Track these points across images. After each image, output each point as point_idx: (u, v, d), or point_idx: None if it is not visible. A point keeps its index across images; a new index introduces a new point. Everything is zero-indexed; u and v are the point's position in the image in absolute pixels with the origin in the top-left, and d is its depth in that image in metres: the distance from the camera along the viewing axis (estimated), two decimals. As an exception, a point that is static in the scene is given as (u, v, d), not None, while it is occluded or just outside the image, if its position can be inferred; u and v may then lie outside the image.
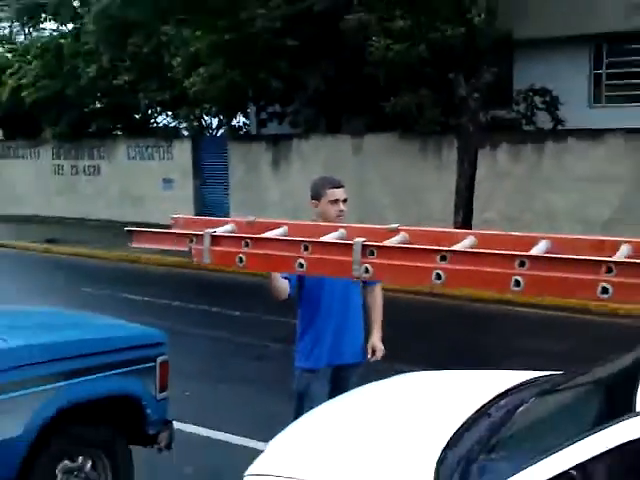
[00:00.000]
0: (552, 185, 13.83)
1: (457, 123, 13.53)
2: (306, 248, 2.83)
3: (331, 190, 4.46)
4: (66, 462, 4.19)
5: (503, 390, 3.77)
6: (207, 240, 3.00)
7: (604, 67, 15.70)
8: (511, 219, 13.48)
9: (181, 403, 5.16)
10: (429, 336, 9.57)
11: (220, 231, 3.08)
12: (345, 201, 4.47)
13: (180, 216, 3.32)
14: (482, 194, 13.44)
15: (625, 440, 2.51)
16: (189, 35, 16.75)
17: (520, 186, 14.18)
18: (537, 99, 15.04)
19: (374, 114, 15.64)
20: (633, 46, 15.21)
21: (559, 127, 14.85)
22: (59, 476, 4.15)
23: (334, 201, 4.43)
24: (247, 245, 2.94)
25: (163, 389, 4.60)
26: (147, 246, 3.28)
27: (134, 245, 3.28)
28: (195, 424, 6.08)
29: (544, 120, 15.00)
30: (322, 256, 2.83)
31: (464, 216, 13.08)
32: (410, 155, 15.45)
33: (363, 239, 2.77)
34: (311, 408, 4.22)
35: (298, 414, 4.33)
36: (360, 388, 4.38)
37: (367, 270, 2.74)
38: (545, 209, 13.70)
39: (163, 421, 4.66)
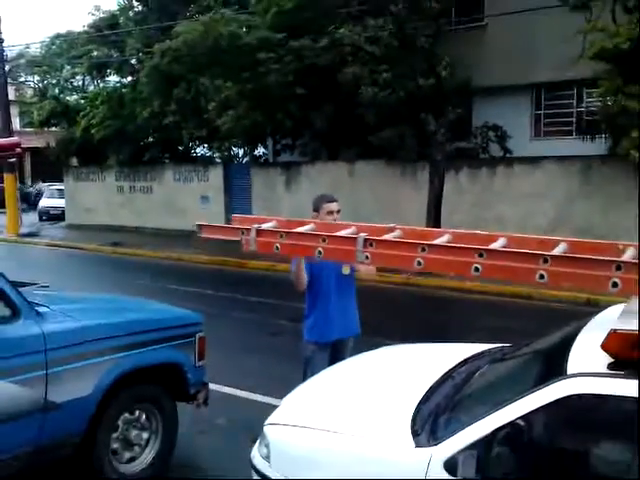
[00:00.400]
0: (502, 200, 13.82)
1: (428, 152, 13.54)
2: (324, 240, 2.96)
3: (327, 204, 4.42)
4: (126, 415, 4.19)
5: (464, 358, 3.77)
6: (253, 233, 3.13)
7: (542, 108, 15.76)
8: (470, 226, 13.30)
9: (216, 369, 5.14)
10: (405, 317, 9.53)
11: (264, 226, 3.20)
12: (339, 212, 4.42)
13: (238, 215, 3.47)
14: (448, 206, 13.43)
15: (557, 397, 2.52)
16: (220, 85, 16.79)
17: (477, 200, 14.17)
18: (490, 133, 15.10)
19: (364, 145, 15.64)
20: (564, 92, 15.27)
21: (507, 155, 14.87)
22: (120, 425, 4.15)
23: (329, 212, 4.39)
24: (282, 237, 3.09)
25: (201, 358, 4.60)
26: (211, 236, 3.40)
27: (203, 236, 3.41)
28: (227, 385, 6.07)
29: (496, 150, 15.04)
30: (335, 246, 2.95)
31: (434, 224, 13.06)
32: (392, 177, 15.44)
33: (365, 234, 2.89)
34: (315, 373, 4.21)
35: (305, 377, 4.33)
36: (353, 357, 4.38)
37: (367, 257, 2.86)
38: (497, 218, 13.67)
39: (201, 383, 4.65)
